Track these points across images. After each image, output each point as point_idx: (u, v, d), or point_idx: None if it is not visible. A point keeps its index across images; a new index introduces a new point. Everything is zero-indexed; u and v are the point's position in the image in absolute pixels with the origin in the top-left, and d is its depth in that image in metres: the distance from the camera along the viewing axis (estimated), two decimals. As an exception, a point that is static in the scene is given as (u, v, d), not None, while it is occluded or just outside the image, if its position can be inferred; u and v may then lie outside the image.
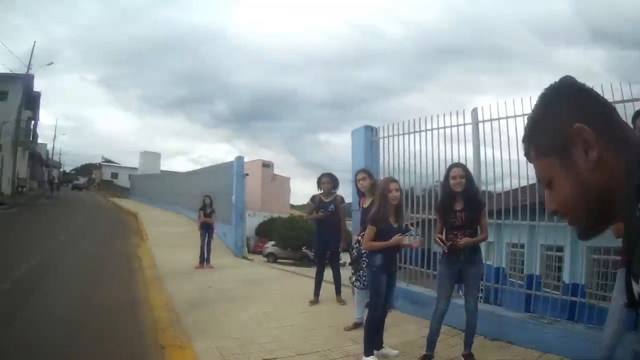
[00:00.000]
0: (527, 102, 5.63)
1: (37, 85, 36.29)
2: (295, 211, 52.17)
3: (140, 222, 21.61)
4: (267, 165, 50.79)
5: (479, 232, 4.93)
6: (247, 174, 16.46)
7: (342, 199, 7.70)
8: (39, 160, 46.03)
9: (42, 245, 12.37)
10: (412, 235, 5.19)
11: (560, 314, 5.42)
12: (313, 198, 7.76)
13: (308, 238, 31.88)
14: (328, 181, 7.59)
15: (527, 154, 1.07)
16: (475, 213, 4.88)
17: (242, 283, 9.52)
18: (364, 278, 5.76)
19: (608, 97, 4.38)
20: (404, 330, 6.06)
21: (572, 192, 0.95)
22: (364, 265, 5.76)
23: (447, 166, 5.34)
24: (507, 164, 6.02)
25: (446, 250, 4.87)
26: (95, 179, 70.97)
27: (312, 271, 8.49)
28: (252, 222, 37.03)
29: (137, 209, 28.25)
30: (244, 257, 15.25)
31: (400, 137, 7.59)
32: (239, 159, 16.30)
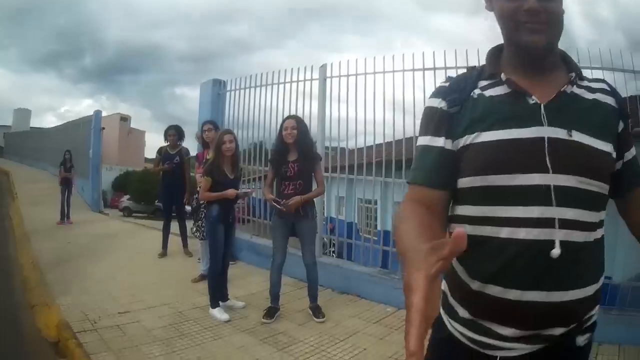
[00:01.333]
0: (376, 60, 5.87)
1: None
2: (148, 165, 50.36)
3: (10, 181, 20.36)
4: (124, 119, 49.20)
5: (314, 185, 4.96)
6: (103, 128, 16.32)
7: (187, 150, 7.70)
8: None
9: None
10: (246, 188, 5.39)
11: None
12: (160, 150, 7.71)
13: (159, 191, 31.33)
14: (173, 133, 7.56)
15: None
16: (308, 165, 4.85)
17: (98, 238, 9.75)
18: (203, 229, 5.94)
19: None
20: (249, 281, 6.28)
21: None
22: (202, 217, 5.94)
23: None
24: (353, 122, 6.20)
25: (282, 209, 4.76)
26: None
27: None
28: (108, 177, 35.73)
29: (11, 168, 26.04)
30: (100, 212, 15.36)
31: (248, 90, 7.61)
32: (97, 113, 16.06)
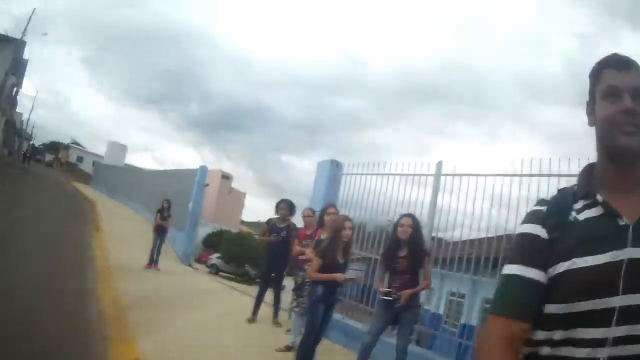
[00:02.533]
0: (489, 163, 6.33)
1: (27, 53, 35.19)
2: (244, 227, 51.84)
3: (97, 212, 21.26)
4: (226, 177, 50.73)
5: (421, 279, 5.21)
6: (207, 185, 16.75)
7: (295, 226, 7.78)
8: (13, 128, 44.64)
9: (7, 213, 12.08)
10: (355, 270, 5.63)
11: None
12: (269, 221, 7.98)
13: (253, 256, 31.80)
14: (285, 207, 7.79)
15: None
16: (417, 261, 5.14)
17: (187, 291, 9.92)
18: (303, 305, 5.96)
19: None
20: (333, 359, 6.29)
21: None
22: (305, 294, 5.99)
23: (401, 213, 5.75)
24: (457, 213, 6.45)
25: (391, 299, 5.06)
26: (61, 159, 69.00)
27: (252, 290, 8.77)
28: (201, 231, 36.57)
29: (97, 198, 27.78)
30: (190, 265, 15.47)
31: (363, 176, 7.92)
32: (203, 168, 16.58)
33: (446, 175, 6.72)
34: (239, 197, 54.64)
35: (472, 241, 6.42)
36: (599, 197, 1.24)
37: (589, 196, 1.27)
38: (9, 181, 23.30)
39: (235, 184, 54.28)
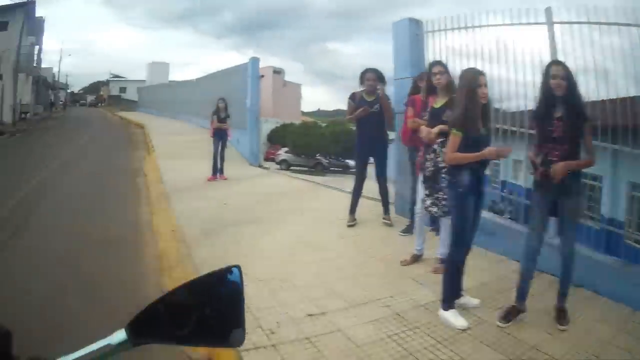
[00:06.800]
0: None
1: (40, 12, 35.87)
2: (305, 118, 51.86)
3: (147, 133, 20.22)
4: (277, 71, 49.62)
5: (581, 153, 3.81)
6: (262, 76, 15.47)
7: (386, 96, 6.47)
8: (45, 84, 44.58)
9: (41, 169, 10.93)
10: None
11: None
12: (353, 96, 6.53)
13: (323, 144, 32.71)
14: (373, 77, 6.32)
15: None
16: (578, 124, 3.76)
17: (263, 198, 8.36)
18: (443, 202, 4.54)
19: None
20: (475, 267, 4.48)
21: None
22: (443, 185, 4.53)
23: (545, 64, 4.08)
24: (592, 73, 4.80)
25: (537, 177, 3.83)
26: (103, 96, 69.87)
27: (335, 182, 7.45)
28: (264, 129, 36.11)
29: (145, 120, 26.97)
30: (260, 166, 14.18)
31: (450, 32, 6.39)
32: (254, 60, 15.05)
33: (561, 23, 5.09)
34: (295, 89, 53.94)
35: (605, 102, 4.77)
36: None
37: None
38: (44, 135, 22.27)
39: (287, 78, 53.45)
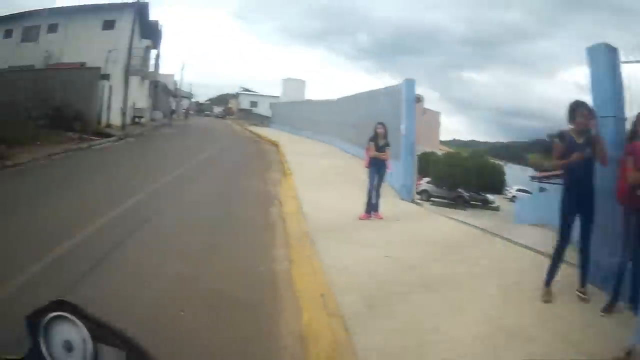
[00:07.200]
0: None
1: (156, 15, 36.18)
2: (443, 147, 50.46)
3: (281, 152, 18.70)
4: (418, 98, 47.58)
5: None
6: (419, 100, 14.06)
7: (599, 137, 5.15)
8: (165, 90, 46.00)
9: (142, 186, 9.32)
10: None
11: None
12: (562, 136, 5.28)
13: (466, 179, 31.00)
14: (585, 114, 5.11)
15: None
16: None
17: (429, 250, 6.55)
18: None
19: None
20: None
21: None
22: None
23: None
24: None
25: None
26: (232, 108, 71.49)
27: (483, 220, 6.85)
28: None
29: (279, 137, 26.03)
30: (412, 201, 12.23)
31: None
32: (409, 82, 13.80)
33: None
34: (434, 116, 52.21)
35: None
36: None
37: None
38: (157, 144, 21.80)
39: (425, 105, 51.21)
